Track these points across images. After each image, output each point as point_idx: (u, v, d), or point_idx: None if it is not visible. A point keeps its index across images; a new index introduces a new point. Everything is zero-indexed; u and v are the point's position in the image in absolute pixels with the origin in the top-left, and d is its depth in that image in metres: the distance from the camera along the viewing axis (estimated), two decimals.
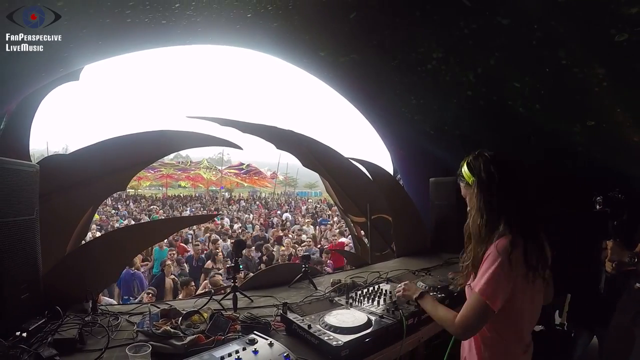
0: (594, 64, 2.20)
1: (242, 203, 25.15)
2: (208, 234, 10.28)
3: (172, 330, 1.74)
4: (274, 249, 8.89)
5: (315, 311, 2.05)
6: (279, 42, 3.65)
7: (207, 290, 4.97)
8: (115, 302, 5.24)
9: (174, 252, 7.33)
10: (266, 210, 20.66)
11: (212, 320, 1.86)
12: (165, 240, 8.45)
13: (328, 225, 13.15)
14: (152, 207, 20.05)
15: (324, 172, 4.59)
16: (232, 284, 2.34)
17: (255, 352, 1.51)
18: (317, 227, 13.75)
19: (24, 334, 1.64)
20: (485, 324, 1.45)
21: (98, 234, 8.75)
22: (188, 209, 20.62)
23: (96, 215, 11.25)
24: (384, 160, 5.68)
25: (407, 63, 3.20)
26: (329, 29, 3.16)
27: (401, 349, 1.85)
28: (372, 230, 4.63)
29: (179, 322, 1.83)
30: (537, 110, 2.86)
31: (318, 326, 1.82)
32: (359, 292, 2.33)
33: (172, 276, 6.57)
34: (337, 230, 10.71)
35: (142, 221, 13.97)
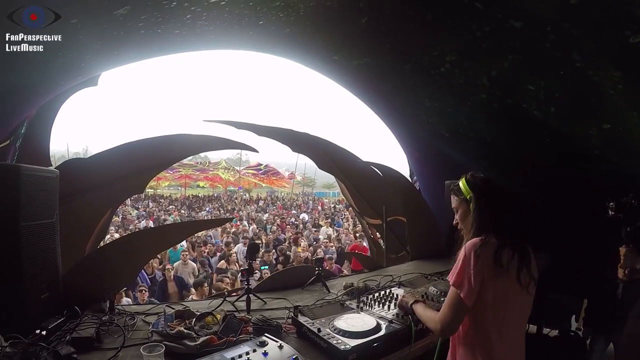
0: (608, 66, 2.15)
1: (260, 203, 25.37)
2: (224, 236, 10.32)
3: (185, 331, 1.80)
4: (290, 252, 8.91)
5: (325, 314, 2.08)
6: (292, 46, 3.70)
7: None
8: (131, 302, 5.35)
9: (187, 253, 7.43)
10: (284, 211, 20.78)
11: (224, 321, 1.91)
12: (187, 242, 8.60)
13: (342, 229, 13.10)
14: (170, 207, 20.43)
15: (339, 174, 4.61)
16: (246, 286, 2.39)
17: (265, 354, 1.56)
18: (333, 228, 13.74)
19: (44, 332, 1.69)
20: (462, 319, 1.55)
21: (117, 235, 8.91)
22: (206, 208, 20.94)
23: (115, 216, 11.54)
24: (401, 162, 5.68)
25: (420, 66, 3.19)
26: (342, 33, 3.18)
27: (409, 354, 1.86)
28: (388, 232, 4.63)
29: (193, 323, 1.89)
30: (552, 113, 2.81)
31: (328, 330, 1.85)
32: (370, 296, 2.35)
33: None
34: (352, 235, 10.63)
35: (163, 220, 14.37)
